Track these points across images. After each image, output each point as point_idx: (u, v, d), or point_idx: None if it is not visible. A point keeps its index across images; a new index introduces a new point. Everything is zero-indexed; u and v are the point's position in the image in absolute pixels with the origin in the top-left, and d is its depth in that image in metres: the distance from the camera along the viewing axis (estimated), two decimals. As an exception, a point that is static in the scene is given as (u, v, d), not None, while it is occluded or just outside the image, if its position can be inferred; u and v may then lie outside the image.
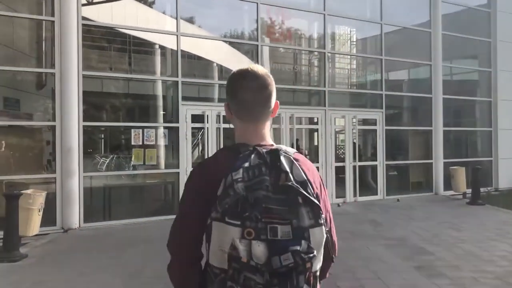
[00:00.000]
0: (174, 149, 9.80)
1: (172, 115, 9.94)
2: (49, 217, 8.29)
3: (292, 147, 10.96)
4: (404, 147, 13.52)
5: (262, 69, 1.63)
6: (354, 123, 12.00)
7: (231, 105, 1.63)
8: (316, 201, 1.38)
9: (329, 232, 1.53)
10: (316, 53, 12.23)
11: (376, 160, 12.44)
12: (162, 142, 9.55)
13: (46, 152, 8.87)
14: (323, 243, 1.40)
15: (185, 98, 9.74)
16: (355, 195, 11.91)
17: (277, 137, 11.07)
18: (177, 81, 9.62)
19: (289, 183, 1.36)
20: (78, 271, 5.73)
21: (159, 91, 10.40)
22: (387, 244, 7.10)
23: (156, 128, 9.49)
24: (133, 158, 9.20)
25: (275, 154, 1.43)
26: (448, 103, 13.42)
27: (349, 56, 13.12)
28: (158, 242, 3.96)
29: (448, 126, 13.54)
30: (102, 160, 9.59)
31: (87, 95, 8.88)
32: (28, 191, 6.93)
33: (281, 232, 1.31)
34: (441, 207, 11.07)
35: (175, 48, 9.65)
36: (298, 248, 1.30)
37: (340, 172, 11.92)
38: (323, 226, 1.37)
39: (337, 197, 11.67)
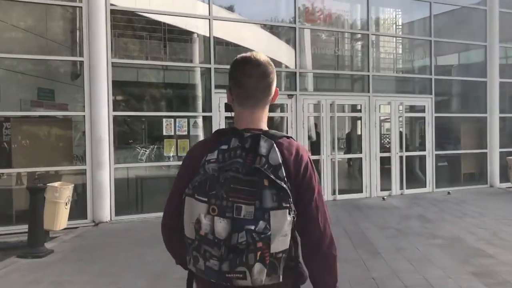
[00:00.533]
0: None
1: (205, 104, 9.49)
2: (79, 210, 8.07)
3: (317, 136, 10.39)
4: (455, 136, 12.53)
5: (264, 57, 1.67)
6: (401, 110, 11.15)
7: (233, 90, 1.69)
8: (284, 185, 1.44)
9: (310, 217, 1.56)
10: (359, 35, 11.44)
11: (425, 150, 11.57)
12: (194, 132, 9.13)
13: (78, 143, 8.63)
14: (286, 226, 1.44)
15: (218, 86, 9.26)
16: (401, 187, 11.12)
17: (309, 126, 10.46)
18: (210, 68, 9.15)
19: (258, 166, 1.43)
20: (101, 270, 5.38)
21: (192, 79, 9.97)
22: (438, 244, 6.37)
23: (188, 117, 9.06)
24: (165, 149, 8.83)
25: (255, 138, 1.51)
26: (504, 88, 12.30)
27: (394, 39, 12.21)
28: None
29: (504, 113, 12.43)
30: (142, 151, 9.27)
31: (118, 84, 8.56)
32: (55, 184, 6.65)
33: (244, 211, 1.40)
34: (497, 201, 10.11)
35: (207, 34, 9.17)
36: (253, 227, 1.38)
37: (385, 163, 11.15)
38: (286, 210, 1.43)
39: (382, 189, 10.93)
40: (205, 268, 1.43)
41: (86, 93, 8.11)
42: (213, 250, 1.40)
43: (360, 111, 10.88)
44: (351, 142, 11.75)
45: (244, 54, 1.70)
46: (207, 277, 1.44)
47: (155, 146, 9.20)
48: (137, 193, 8.97)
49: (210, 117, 9.18)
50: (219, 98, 9.24)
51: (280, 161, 1.48)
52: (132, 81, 9.53)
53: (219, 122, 9.19)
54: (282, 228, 1.42)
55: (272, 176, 1.43)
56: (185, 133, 8.97)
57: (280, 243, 1.43)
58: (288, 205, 1.44)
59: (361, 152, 10.82)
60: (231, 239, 1.40)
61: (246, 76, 1.64)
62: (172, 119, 8.87)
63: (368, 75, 10.82)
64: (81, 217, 8.06)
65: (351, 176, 11.65)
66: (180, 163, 8.89)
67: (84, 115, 8.13)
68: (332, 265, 1.61)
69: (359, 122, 11.22)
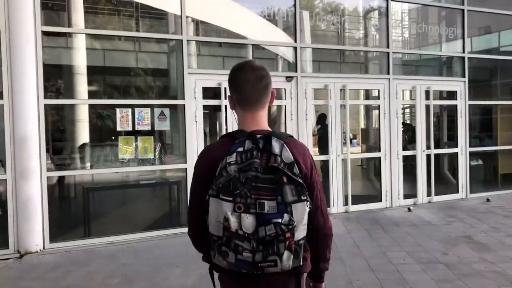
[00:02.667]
0: (180, 136, 7.07)
1: (175, 89, 7.18)
2: (-2, 236, 5.80)
3: (325, 130, 8.04)
4: (491, 128, 10.24)
5: (258, 63, 1.90)
6: (428, 97, 8.84)
7: (233, 95, 1.88)
8: (300, 180, 1.64)
9: (315, 208, 1.76)
10: (375, 1, 9.09)
11: (456, 147, 9.27)
12: (162, 126, 6.81)
13: None
14: (306, 216, 1.64)
15: (193, 66, 6.96)
16: (429, 193, 8.84)
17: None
18: (181, 41, 6.82)
19: (276, 165, 1.61)
20: None
21: (157, 56, 7.61)
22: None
23: (152, 107, 6.74)
24: (120, 150, 6.52)
25: (267, 139, 1.67)
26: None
27: (419, 7, 9.81)
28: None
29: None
30: (87, 152, 6.96)
31: (52, 61, 6.24)
32: None
33: (267, 207, 1.58)
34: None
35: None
36: (280, 220, 1.57)
37: (409, 163, 8.87)
38: (305, 202, 1.62)
39: (405, 197, 8.64)
40: (236, 260, 1.59)
41: (4, 74, 5.79)
42: (244, 244, 1.56)
43: (377, 97, 8.55)
44: (367, 137, 9.44)
45: (240, 62, 1.91)
46: (238, 268, 1.60)
47: (107, 146, 6.87)
48: (81, 211, 6.68)
49: (183, 105, 6.86)
50: (195, 81, 6.93)
51: (293, 159, 1.65)
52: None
53: (195, 113, 6.89)
54: (303, 219, 1.63)
55: (289, 173, 1.61)
56: (148, 127, 6.66)
57: (301, 231, 1.64)
58: (305, 197, 1.63)
59: (379, 150, 8.52)
60: (258, 233, 1.56)
61: (243, 81, 1.83)
62: (129, 109, 6.55)
63: (388, 53, 8.50)
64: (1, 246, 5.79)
65: (366, 180, 9.36)
66: (142, 168, 6.61)
67: (2, 104, 5.81)
68: (330, 243, 1.90)
69: (376, 112, 8.94)
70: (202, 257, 1.86)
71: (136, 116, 6.59)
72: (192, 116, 6.89)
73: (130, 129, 6.57)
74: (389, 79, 8.47)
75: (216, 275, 1.82)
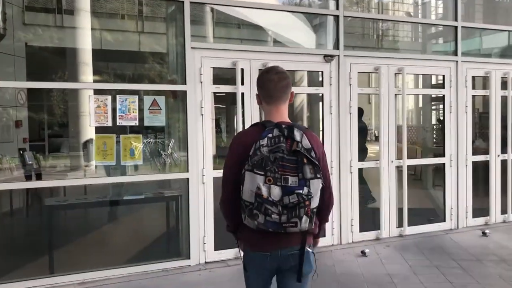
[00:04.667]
0: (180, 135, 5.21)
1: (173, 70, 5.29)
2: None
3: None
4: None
5: (281, 68, 2.30)
6: (506, 86, 6.80)
7: (260, 93, 2.30)
8: (316, 162, 2.04)
9: (325, 185, 2.15)
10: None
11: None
12: (155, 120, 4.93)
13: None
14: (319, 190, 2.07)
15: (197, 37, 5.08)
16: (504, 211, 6.82)
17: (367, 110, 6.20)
18: (182, 2, 4.92)
19: (298, 149, 2.02)
20: None
21: (148, 25, 5.71)
22: None
23: (140, 93, 4.87)
24: (94, 153, 4.67)
25: (290, 128, 2.07)
26: None
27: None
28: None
29: None
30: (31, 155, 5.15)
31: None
32: None
33: (291, 181, 1.99)
34: None
35: None
36: (301, 191, 1.99)
37: (478, 171, 6.86)
38: (319, 179, 2.04)
39: (474, 215, 6.64)
40: (265, 221, 2.00)
41: None
42: (272, 208, 1.98)
43: (441, 86, 6.53)
44: (424, 138, 7.42)
45: (266, 67, 2.55)
46: (266, 227, 2.01)
47: (83, 147, 5.04)
48: (40, 237, 4.84)
49: (184, 93, 4.97)
50: (201, 59, 5.04)
51: (310, 146, 2.06)
52: (29, 24, 5.32)
53: (200, 103, 5.00)
54: (317, 192, 2.06)
55: (309, 156, 2.02)
56: (135, 122, 4.80)
57: (315, 202, 2.07)
58: (320, 176, 2.05)
59: (443, 155, 6.51)
60: (283, 200, 1.98)
61: (268, 80, 2.24)
62: (109, 97, 4.70)
63: (456, 27, 6.48)
64: None
65: (421, 194, 7.33)
66: (127, 178, 4.76)
67: None
68: (331, 208, 2.38)
69: (436, 104, 6.94)
70: (226, 227, 2.37)
71: (118, 106, 4.74)
72: (197, 107, 5.00)
73: (110, 124, 4.72)
74: (456, 61, 6.45)
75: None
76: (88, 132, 5.22)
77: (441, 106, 7.72)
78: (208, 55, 5.07)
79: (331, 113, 5.71)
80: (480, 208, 6.75)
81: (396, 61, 6.08)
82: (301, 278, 2.19)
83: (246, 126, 5.17)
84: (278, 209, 1.98)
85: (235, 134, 4.64)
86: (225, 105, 16.43)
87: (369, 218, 6.18)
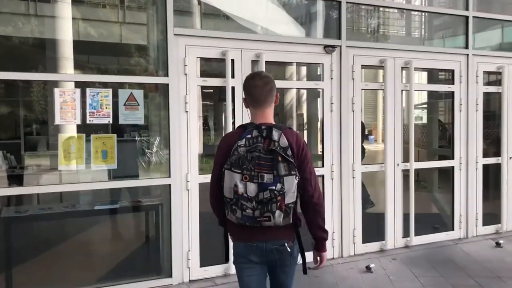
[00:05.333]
0: (161, 135, 4.56)
1: (154, 60, 4.63)
2: None
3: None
4: None
5: (265, 73, 2.51)
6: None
7: (247, 98, 2.40)
8: (291, 159, 2.17)
9: (304, 179, 2.25)
10: None
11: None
12: (131, 118, 4.26)
13: None
14: (295, 186, 2.17)
15: (182, 23, 4.43)
16: (516, 218, 6.29)
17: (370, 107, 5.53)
18: (163, -17, 4.27)
19: (274, 148, 2.16)
20: None
21: (122, 12, 5.03)
22: None
23: (114, 86, 4.19)
24: (60, 156, 3.99)
25: (269, 129, 2.21)
26: None
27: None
28: None
29: None
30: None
31: None
32: None
33: (266, 178, 2.14)
34: None
35: None
36: (274, 188, 2.12)
37: (488, 174, 6.31)
38: (294, 176, 2.16)
39: (484, 222, 6.09)
40: (242, 216, 2.17)
41: None
42: (247, 204, 2.14)
43: (451, 81, 5.95)
44: (430, 138, 6.84)
45: (251, 73, 2.54)
46: (243, 221, 2.18)
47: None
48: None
49: (166, 86, 4.31)
50: (185, 48, 4.38)
51: (287, 144, 2.18)
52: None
53: (184, 98, 4.35)
54: (291, 188, 2.16)
55: (283, 154, 2.15)
56: (108, 119, 4.13)
57: (291, 197, 2.17)
58: (294, 172, 2.17)
59: (452, 157, 5.94)
60: (258, 196, 2.13)
61: (253, 86, 2.35)
62: (77, 90, 4.02)
63: (466, 17, 5.91)
64: None
65: (424, 198, 6.75)
66: (99, 185, 4.07)
67: None
68: (321, 211, 2.34)
69: (445, 102, 6.38)
70: (218, 222, 2.45)
71: (89, 101, 4.06)
72: (180, 103, 4.35)
73: (79, 122, 4.05)
74: (467, 55, 5.89)
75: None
76: (69, 129, 4.55)
77: (440, 104, 7.20)
78: (194, 44, 4.42)
79: (331, 111, 5.10)
80: (491, 214, 6.21)
81: (403, 53, 5.48)
82: (286, 270, 2.36)
83: (237, 123, 4.57)
84: (252, 205, 2.14)
85: (224, 132, 4.22)
86: (213, 102, 15.76)
87: (372, 227, 5.58)
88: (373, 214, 5.87)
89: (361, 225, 5.31)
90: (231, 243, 2.43)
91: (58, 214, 4.27)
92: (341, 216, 5.17)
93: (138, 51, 4.71)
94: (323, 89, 5.09)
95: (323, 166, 5.10)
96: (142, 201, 4.50)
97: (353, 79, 5.18)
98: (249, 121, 2.38)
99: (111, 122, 4.16)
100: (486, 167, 6.17)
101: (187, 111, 4.38)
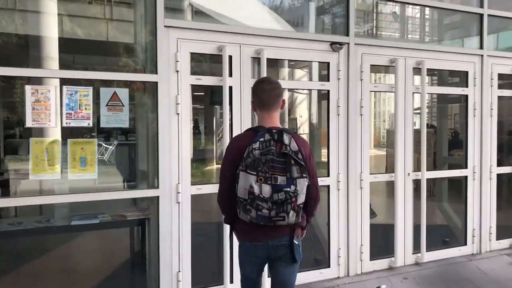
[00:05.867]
0: (149, 140, 4.03)
1: (141, 55, 4.10)
2: None
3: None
4: None
5: (274, 79, 2.63)
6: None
7: (255, 100, 2.53)
8: (303, 163, 2.29)
9: (312, 182, 2.39)
10: None
11: None
12: (113, 121, 3.73)
13: None
14: (305, 188, 2.31)
15: (173, 12, 3.92)
16: (531, 233, 5.86)
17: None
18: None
19: (287, 151, 2.26)
20: None
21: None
22: None
23: (95, 84, 3.66)
24: (31, 163, 3.45)
25: (280, 133, 2.31)
26: None
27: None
28: None
29: None
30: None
31: None
32: None
33: (280, 180, 2.24)
34: None
35: None
36: (288, 189, 2.24)
37: (501, 184, 5.88)
38: (305, 178, 2.29)
39: (498, 236, 5.66)
40: (257, 215, 2.24)
41: None
42: (263, 204, 2.22)
43: (465, 83, 5.51)
44: (439, 145, 6.38)
45: (261, 77, 2.93)
46: (257, 221, 2.26)
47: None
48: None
49: (155, 85, 3.79)
50: (177, 42, 3.87)
51: (297, 148, 2.29)
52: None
53: (176, 98, 3.84)
54: (303, 189, 2.30)
55: (296, 158, 2.26)
56: (88, 122, 3.60)
57: (302, 198, 2.31)
58: (306, 175, 2.30)
59: (464, 166, 5.49)
60: (273, 197, 2.23)
61: (262, 90, 2.48)
62: (52, 88, 3.50)
63: (481, 15, 5.49)
64: None
65: (436, 211, 6.29)
66: (77, 197, 3.52)
67: None
68: (317, 204, 2.55)
69: (456, 106, 5.95)
70: (224, 219, 2.56)
71: (66, 101, 3.53)
72: (171, 104, 3.84)
73: (53, 125, 3.52)
74: (482, 55, 5.46)
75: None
76: (51, 132, 4.01)
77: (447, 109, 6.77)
78: (186, 37, 3.91)
79: (338, 114, 4.62)
80: (504, 227, 5.78)
81: (415, 53, 5.03)
82: (295, 259, 2.43)
83: (235, 125, 4.07)
84: (268, 205, 2.22)
85: (215, 136, 4.34)
86: (204, 105, 15.24)
87: (379, 241, 5.10)
88: (379, 226, 5.39)
89: (369, 240, 4.83)
90: (235, 265, 2.64)
91: (28, 231, 3.71)
92: (348, 231, 4.69)
93: (123, 45, 4.18)
94: (329, 91, 4.61)
95: (328, 175, 4.62)
96: (126, 215, 3.96)
97: (361, 79, 4.72)
98: (257, 125, 2.50)
99: (91, 125, 3.64)
100: (499, 177, 5.74)
101: (178, 113, 3.86)
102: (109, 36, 4.18)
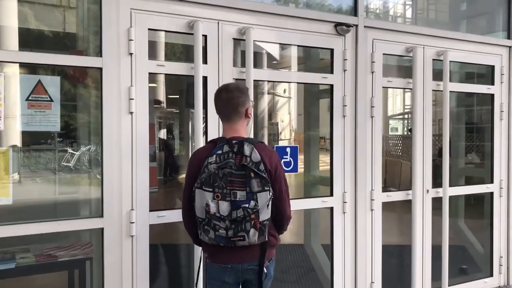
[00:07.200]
0: (92, 151, 2.93)
1: (80, 34, 3.01)
2: None
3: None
4: None
5: (234, 85, 2.31)
6: None
7: (216, 111, 2.30)
8: (264, 175, 2.04)
9: (280, 199, 2.16)
10: None
11: None
12: (37, 123, 2.62)
13: None
14: (269, 202, 2.05)
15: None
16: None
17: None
18: None
19: (246, 163, 2.03)
20: None
21: None
22: None
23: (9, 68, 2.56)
24: None
25: (241, 143, 2.09)
26: None
27: None
28: None
29: None
30: None
31: None
32: None
33: (239, 195, 2.01)
34: None
35: None
36: (247, 205, 2.00)
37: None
38: (267, 191, 2.04)
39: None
40: (215, 236, 2.03)
41: None
42: (220, 223, 2.00)
43: (490, 79, 4.56)
44: (455, 154, 5.38)
45: (221, 85, 2.38)
46: (216, 242, 2.04)
47: None
48: None
49: (99, 71, 2.69)
50: (131, 14, 2.79)
51: (260, 159, 2.06)
52: None
53: (128, 90, 2.75)
54: (265, 204, 2.04)
55: (256, 170, 2.03)
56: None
57: (265, 214, 2.04)
58: (268, 188, 2.05)
59: (490, 180, 4.55)
60: (231, 215, 2.00)
61: (219, 100, 2.25)
62: None
63: (509, 2, 4.58)
64: None
65: (452, 231, 5.32)
66: None
67: None
68: (288, 223, 2.27)
69: (481, 108, 5.03)
70: (193, 241, 2.32)
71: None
72: (122, 99, 2.75)
73: None
74: (510, 47, 4.55)
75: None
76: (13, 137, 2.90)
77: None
78: (143, 8, 2.84)
79: (344, 116, 3.60)
80: None
81: (435, 41, 4.06)
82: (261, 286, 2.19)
83: (210, 129, 3.02)
84: (225, 224, 2.02)
85: (191, 143, 3.50)
86: (179, 109, 14.16)
87: (392, 273, 4.11)
88: (390, 252, 4.37)
89: (381, 276, 3.83)
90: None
91: None
92: (356, 266, 3.66)
93: (52, 13, 3.05)
94: (332, 85, 3.59)
95: (331, 194, 3.59)
96: (58, 254, 2.83)
97: (372, 72, 3.72)
98: (220, 136, 2.30)
99: (2, 128, 2.52)
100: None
101: (132, 112, 2.78)
102: None
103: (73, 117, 3.00)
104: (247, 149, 2.07)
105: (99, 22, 2.71)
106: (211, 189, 2.01)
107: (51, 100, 2.63)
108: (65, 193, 3.45)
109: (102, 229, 2.72)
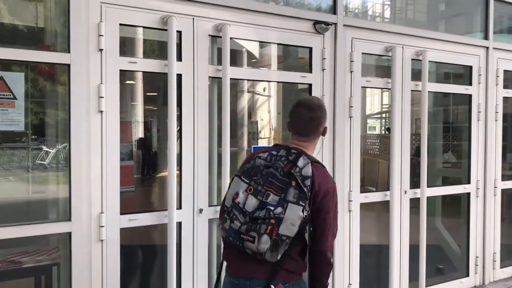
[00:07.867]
0: (59, 152, 2.80)
1: (50, 27, 2.87)
2: None
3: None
4: None
5: (317, 102, 2.09)
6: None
7: (290, 124, 2.10)
8: (305, 189, 1.83)
9: (323, 230, 1.91)
10: None
11: None
12: (2, 122, 2.48)
13: None
14: (297, 220, 1.80)
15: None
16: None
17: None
18: None
19: (292, 171, 1.86)
20: None
21: None
22: None
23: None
24: None
25: (298, 154, 1.94)
26: None
27: None
28: None
29: None
30: None
31: None
32: None
33: (271, 199, 1.84)
34: None
35: None
36: (272, 209, 1.81)
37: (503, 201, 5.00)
38: (301, 207, 1.80)
39: (502, 263, 4.78)
40: (229, 227, 1.88)
41: None
42: (239, 216, 1.86)
43: (468, 79, 4.56)
44: (432, 154, 5.38)
45: (301, 98, 2.19)
46: (228, 234, 1.89)
47: None
48: None
49: (66, 67, 2.56)
50: (102, 9, 2.66)
51: (310, 175, 1.87)
52: None
53: (98, 88, 2.63)
54: (293, 218, 1.80)
55: (299, 181, 1.84)
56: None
57: (288, 229, 1.80)
58: (304, 204, 1.81)
59: (467, 180, 4.56)
60: (254, 213, 1.84)
61: (299, 117, 2.05)
62: None
63: (486, 2, 4.59)
64: None
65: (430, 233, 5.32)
66: None
67: None
68: (329, 270, 2.03)
69: (457, 107, 5.04)
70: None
71: None
72: (91, 97, 2.63)
73: None
74: (487, 47, 4.56)
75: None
76: None
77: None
78: (114, 2, 2.71)
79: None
80: (506, 251, 4.90)
81: (415, 40, 4.04)
82: None
83: (185, 132, 2.93)
84: (244, 219, 1.87)
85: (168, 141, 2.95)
86: (157, 107, 14.00)
87: (368, 272, 4.08)
88: (368, 252, 4.35)
89: (359, 277, 3.79)
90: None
91: None
92: (333, 268, 3.62)
93: (20, 6, 2.90)
94: (311, 84, 3.52)
95: (309, 195, 3.53)
96: (22, 260, 2.69)
97: (351, 72, 3.67)
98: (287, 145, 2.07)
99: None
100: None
101: (102, 111, 2.65)
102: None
103: (45, 115, 2.86)
104: (302, 161, 1.91)
105: (67, 17, 2.58)
106: (248, 181, 1.91)
107: (14, 98, 2.49)
108: (37, 193, 3.31)
109: (70, 233, 2.59)
